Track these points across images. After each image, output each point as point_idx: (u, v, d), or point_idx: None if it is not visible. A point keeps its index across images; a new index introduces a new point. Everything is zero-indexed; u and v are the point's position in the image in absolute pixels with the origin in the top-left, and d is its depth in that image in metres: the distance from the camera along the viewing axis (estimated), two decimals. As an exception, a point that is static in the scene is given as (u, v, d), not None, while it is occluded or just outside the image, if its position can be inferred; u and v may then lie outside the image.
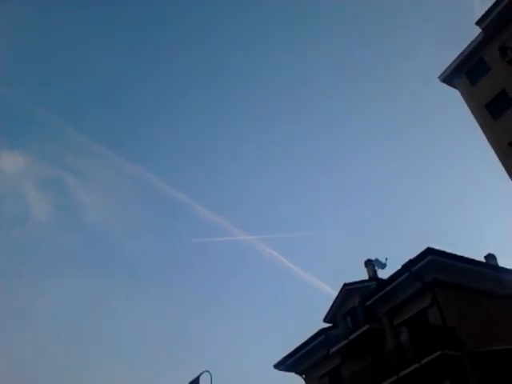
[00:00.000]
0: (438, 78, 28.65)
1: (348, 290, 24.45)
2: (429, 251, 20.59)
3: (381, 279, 24.38)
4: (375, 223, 80.00)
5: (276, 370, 27.97)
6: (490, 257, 24.76)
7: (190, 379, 22.18)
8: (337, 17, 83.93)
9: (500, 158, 24.55)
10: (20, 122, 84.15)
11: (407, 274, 21.14)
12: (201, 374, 21.92)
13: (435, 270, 20.72)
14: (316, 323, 26.21)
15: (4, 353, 63.63)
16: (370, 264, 26.32)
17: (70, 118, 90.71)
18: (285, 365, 27.55)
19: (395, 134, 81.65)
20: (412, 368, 19.49)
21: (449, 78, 28.21)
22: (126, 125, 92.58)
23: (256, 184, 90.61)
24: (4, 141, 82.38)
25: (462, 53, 27.33)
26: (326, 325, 25.47)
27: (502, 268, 23.58)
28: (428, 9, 78.12)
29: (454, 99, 29.00)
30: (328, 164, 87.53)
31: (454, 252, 21.42)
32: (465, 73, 27.39)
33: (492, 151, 25.02)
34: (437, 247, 20.90)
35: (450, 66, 27.99)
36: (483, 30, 25.90)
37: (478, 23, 25.86)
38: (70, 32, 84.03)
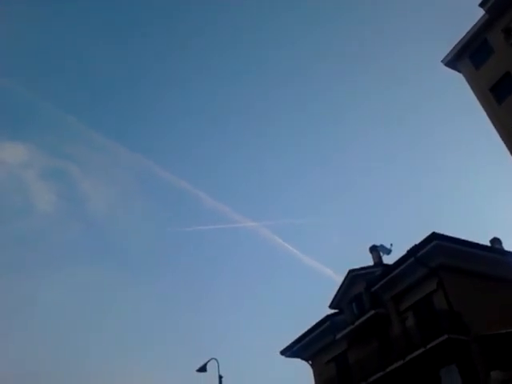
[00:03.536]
0: (442, 61, 28.32)
1: (353, 276, 24.49)
2: (434, 236, 20.59)
3: (386, 265, 24.38)
4: (380, 209, 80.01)
5: (283, 357, 28.24)
6: (496, 241, 24.73)
7: (197, 367, 22.48)
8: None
9: (505, 142, 24.35)
10: (20, 113, 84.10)
11: (412, 259, 21.16)
12: (208, 361, 22.22)
13: (440, 255, 20.72)
14: (322, 309, 26.37)
15: (6, 347, 64.01)
16: (375, 250, 26.30)
17: (70, 109, 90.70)
18: (291, 351, 27.74)
19: (399, 120, 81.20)
20: (418, 352, 19.63)
21: (452, 61, 27.85)
22: (127, 114, 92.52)
23: (260, 171, 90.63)
24: (5, 132, 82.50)
25: (465, 36, 26.94)
26: (332, 311, 25.60)
27: (508, 252, 23.55)
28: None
29: (458, 83, 28.71)
30: (332, 152, 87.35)
31: (459, 237, 21.43)
32: (468, 56, 27.04)
33: (497, 135, 24.85)
34: (442, 232, 20.90)
35: (453, 49, 27.62)
36: (487, 11, 25.52)
37: (482, 5, 25.45)
38: (72, 23, 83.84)
